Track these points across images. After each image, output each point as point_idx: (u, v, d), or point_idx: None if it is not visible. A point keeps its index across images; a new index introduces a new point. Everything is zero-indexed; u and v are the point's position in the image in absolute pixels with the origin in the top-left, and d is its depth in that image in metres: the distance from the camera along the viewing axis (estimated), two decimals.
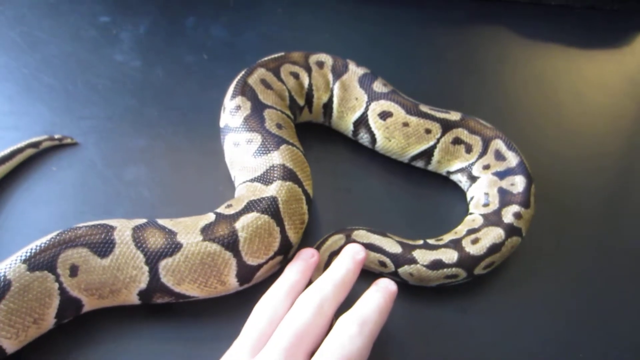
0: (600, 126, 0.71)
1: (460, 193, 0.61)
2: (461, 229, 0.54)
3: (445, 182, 0.62)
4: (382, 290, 0.44)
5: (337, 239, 0.52)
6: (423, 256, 0.50)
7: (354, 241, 0.51)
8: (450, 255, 0.50)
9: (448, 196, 0.61)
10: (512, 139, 0.59)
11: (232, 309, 0.48)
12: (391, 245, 0.51)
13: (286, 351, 0.39)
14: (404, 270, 0.50)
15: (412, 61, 0.78)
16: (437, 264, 0.50)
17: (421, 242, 0.53)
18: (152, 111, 0.65)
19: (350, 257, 0.46)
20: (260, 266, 0.47)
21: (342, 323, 0.41)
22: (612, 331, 0.51)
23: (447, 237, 0.53)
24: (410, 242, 0.52)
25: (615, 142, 0.70)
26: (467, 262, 0.50)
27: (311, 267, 0.47)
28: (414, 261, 0.50)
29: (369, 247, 0.51)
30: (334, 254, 0.51)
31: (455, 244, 0.51)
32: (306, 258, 0.48)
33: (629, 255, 0.58)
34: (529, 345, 0.50)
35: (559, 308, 0.53)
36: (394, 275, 0.51)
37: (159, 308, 0.48)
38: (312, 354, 0.40)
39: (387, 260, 0.51)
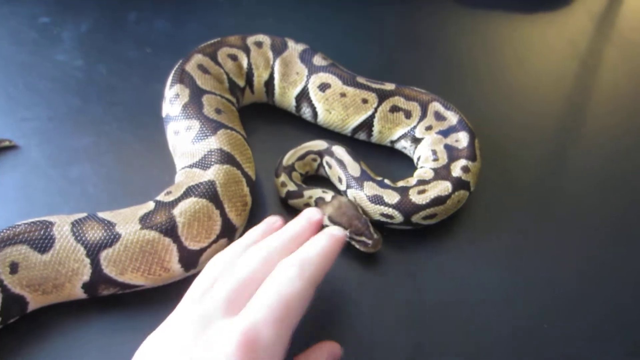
0: (543, 87, 0.72)
1: (407, 162, 0.61)
2: (412, 179, 0.55)
3: (391, 153, 0.62)
4: (327, 236, 0.42)
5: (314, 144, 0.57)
6: (370, 189, 0.53)
7: (333, 152, 0.56)
8: (391, 197, 0.52)
9: (395, 166, 0.61)
10: (459, 105, 0.60)
11: (182, 295, 0.48)
12: (354, 168, 0.54)
13: (228, 296, 0.38)
14: (351, 192, 0.54)
15: (357, 37, 0.79)
16: (377, 199, 0.52)
17: (380, 179, 0.55)
18: (95, 109, 0.65)
19: (305, 219, 0.45)
20: (203, 250, 0.47)
21: (282, 265, 0.40)
22: (559, 285, 0.52)
23: (400, 184, 0.55)
24: (371, 175, 0.55)
25: (556, 101, 0.71)
26: (405, 207, 0.52)
27: (273, 232, 0.45)
28: (361, 188, 0.53)
29: (339, 162, 0.56)
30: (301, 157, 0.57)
31: (402, 190, 0.53)
32: (269, 222, 0.46)
33: (570, 206, 0.59)
34: (479, 305, 0.50)
35: (508, 265, 0.53)
36: (342, 194, 0.55)
37: (108, 300, 0.48)
38: None
39: (344, 179, 0.55)
